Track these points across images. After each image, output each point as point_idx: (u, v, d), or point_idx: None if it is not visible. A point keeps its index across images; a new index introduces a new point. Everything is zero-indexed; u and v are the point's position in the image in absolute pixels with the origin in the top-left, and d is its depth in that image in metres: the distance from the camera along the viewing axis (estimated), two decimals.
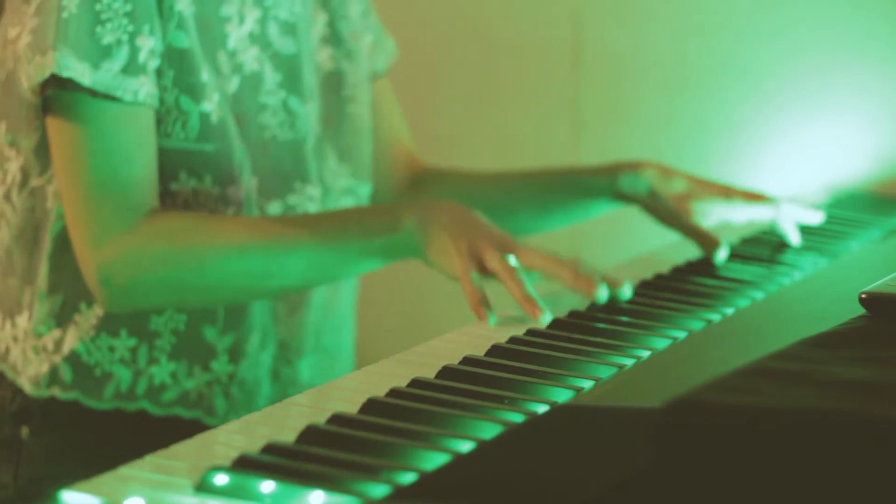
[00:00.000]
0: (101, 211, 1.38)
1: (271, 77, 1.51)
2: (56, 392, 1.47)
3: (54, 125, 1.39)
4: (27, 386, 1.47)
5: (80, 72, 1.36)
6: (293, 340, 1.59)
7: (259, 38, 1.49)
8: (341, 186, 1.58)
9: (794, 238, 1.61)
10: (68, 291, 1.46)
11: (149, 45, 1.39)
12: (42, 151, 1.45)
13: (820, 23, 2.08)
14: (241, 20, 1.48)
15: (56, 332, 1.47)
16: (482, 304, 1.31)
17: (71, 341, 1.46)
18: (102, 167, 1.38)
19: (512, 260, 1.33)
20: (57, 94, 1.38)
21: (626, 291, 1.35)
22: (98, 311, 1.46)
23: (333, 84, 1.59)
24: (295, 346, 1.59)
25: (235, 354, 1.51)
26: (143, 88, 1.38)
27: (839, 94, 2.07)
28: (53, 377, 1.47)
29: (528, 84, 2.29)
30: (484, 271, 1.34)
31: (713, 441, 0.88)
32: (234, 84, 1.48)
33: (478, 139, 2.31)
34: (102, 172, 1.38)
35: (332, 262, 1.40)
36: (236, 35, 1.47)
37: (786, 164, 2.11)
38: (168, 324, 1.48)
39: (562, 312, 1.31)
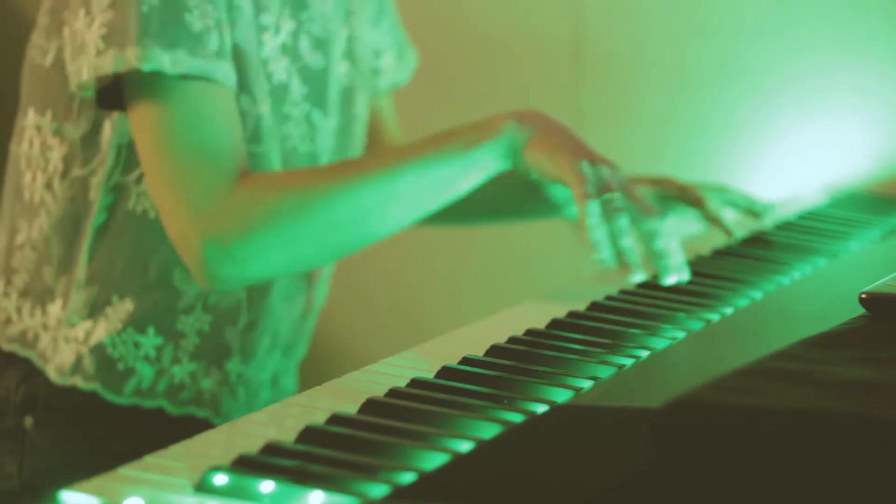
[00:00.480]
0: (198, 179, 1.35)
1: (298, 89, 1.51)
2: (78, 381, 1.48)
3: (140, 111, 1.37)
4: (52, 374, 1.48)
5: (166, 61, 1.34)
6: (296, 345, 1.60)
7: (290, 50, 1.50)
8: None
9: (727, 232, 1.58)
10: (102, 285, 1.47)
11: (228, 32, 1.39)
12: (87, 142, 1.46)
13: (820, 23, 2.08)
14: (277, 31, 1.48)
15: (87, 324, 1.48)
16: (596, 241, 1.30)
17: (99, 333, 1.47)
18: (196, 138, 1.35)
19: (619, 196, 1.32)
20: (142, 79, 1.36)
21: (685, 276, 1.35)
22: (128, 305, 1.47)
23: (347, 100, 1.60)
24: (295, 351, 1.60)
25: (246, 354, 1.52)
26: (232, 74, 1.38)
27: (839, 94, 2.07)
28: (77, 367, 1.48)
29: (528, 84, 2.29)
30: (599, 188, 1.32)
31: (713, 441, 0.88)
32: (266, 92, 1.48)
33: None
34: (197, 142, 1.35)
35: (438, 180, 1.37)
36: (270, 45, 1.48)
37: (786, 164, 2.11)
38: (195, 325, 1.49)
39: (562, 313, 1.31)
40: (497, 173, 1.39)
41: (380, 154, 1.42)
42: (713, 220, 1.59)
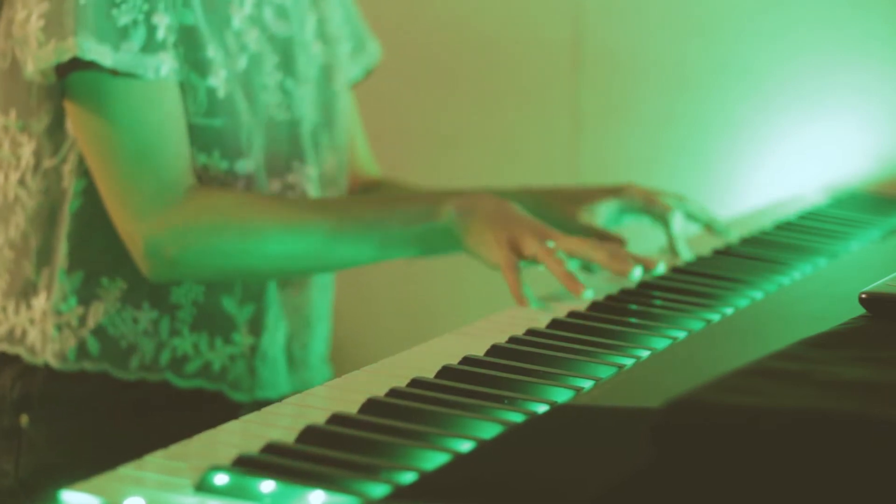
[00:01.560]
0: (140, 186, 1.41)
1: (270, 58, 1.54)
2: (85, 365, 1.49)
3: (79, 107, 1.42)
4: (54, 361, 1.49)
5: (101, 54, 1.38)
6: (301, 323, 1.61)
7: (257, 21, 1.53)
8: (330, 176, 1.62)
9: (683, 250, 1.58)
10: (89, 268, 1.49)
11: (165, 21, 1.42)
12: (53, 133, 1.48)
13: (820, 23, 2.08)
14: (241, 3, 1.51)
15: (79, 309, 1.49)
16: (523, 293, 1.36)
17: (96, 315, 1.49)
18: (134, 143, 1.41)
19: (550, 245, 1.37)
20: (78, 77, 1.40)
21: (661, 269, 1.40)
22: (121, 284, 1.50)
23: (327, 76, 1.63)
24: (303, 327, 1.61)
25: (255, 326, 1.54)
26: (165, 65, 1.41)
27: (839, 94, 2.07)
28: (81, 351, 1.49)
29: (528, 84, 2.29)
30: (523, 258, 1.37)
31: (713, 441, 0.88)
32: (242, 62, 1.51)
33: (478, 139, 2.31)
34: (135, 148, 1.41)
35: (372, 247, 1.44)
36: (239, 16, 1.51)
37: (786, 164, 2.11)
38: (188, 295, 1.52)
39: (561, 313, 1.32)
40: (430, 252, 1.45)
41: (326, 201, 1.49)
42: (670, 238, 1.58)
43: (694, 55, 2.16)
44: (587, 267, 1.48)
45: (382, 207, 1.44)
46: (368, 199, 1.48)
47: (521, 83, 2.30)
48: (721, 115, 2.15)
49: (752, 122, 2.13)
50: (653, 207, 1.59)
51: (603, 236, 1.52)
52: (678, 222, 1.59)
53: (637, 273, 1.37)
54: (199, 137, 1.47)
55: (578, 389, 1.11)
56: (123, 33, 1.39)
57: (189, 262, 1.43)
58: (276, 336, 1.56)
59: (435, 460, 0.95)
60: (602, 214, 1.59)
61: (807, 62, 2.09)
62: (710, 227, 1.64)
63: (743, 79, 2.13)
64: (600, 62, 2.23)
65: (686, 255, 1.57)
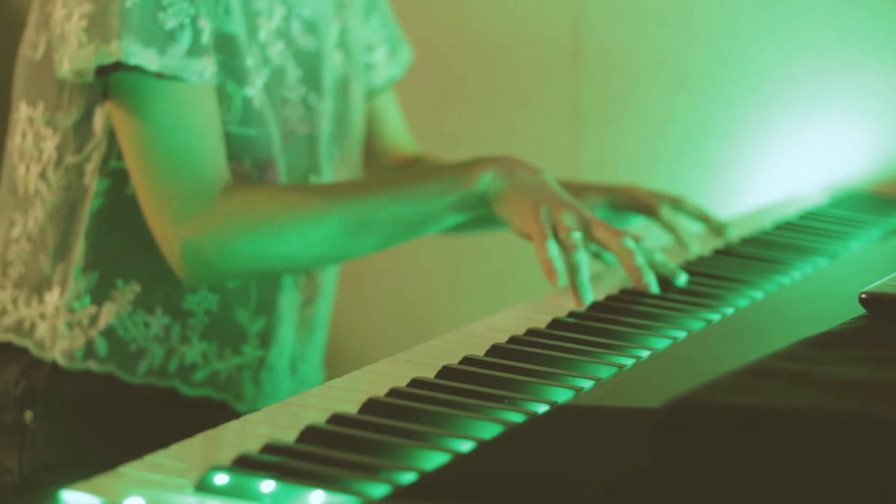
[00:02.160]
0: (179, 188, 1.41)
1: (293, 73, 1.54)
2: (92, 365, 1.49)
3: (121, 108, 1.41)
4: (60, 360, 1.49)
5: (146, 58, 1.37)
6: (307, 334, 1.61)
7: (284, 34, 1.53)
8: None
9: (693, 246, 1.59)
10: (104, 269, 1.49)
11: (208, 26, 1.42)
12: (80, 130, 1.48)
13: (820, 23, 2.08)
14: (270, 15, 1.51)
15: (91, 308, 1.49)
16: (555, 267, 1.34)
17: (107, 316, 1.49)
18: (176, 145, 1.40)
19: (579, 235, 1.37)
20: (120, 77, 1.39)
21: (682, 279, 1.39)
22: (136, 287, 1.50)
23: (344, 89, 1.63)
24: (308, 339, 1.61)
25: (266, 339, 1.54)
26: (208, 69, 1.41)
27: (839, 94, 2.07)
28: (89, 351, 1.49)
29: (528, 84, 2.29)
30: (555, 233, 1.37)
31: (713, 441, 0.88)
32: (264, 76, 1.51)
33: (478, 139, 2.32)
34: (176, 150, 1.40)
35: (409, 220, 1.42)
36: (266, 29, 1.51)
37: (786, 164, 2.11)
38: (202, 304, 1.52)
39: (562, 313, 1.32)
40: (468, 218, 1.43)
41: (358, 184, 1.46)
42: (669, 228, 1.58)
43: (694, 55, 2.16)
44: (598, 255, 1.48)
45: (417, 180, 1.42)
46: (402, 174, 1.46)
47: (521, 83, 2.30)
48: (721, 115, 2.15)
49: (752, 122, 2.13)
50: (638, 204, 1.59)
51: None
52: (667, 213, 1.59)
53: (653, 284, 1.37)
54: (232, 146, 1.47)
55: (578, 389, 1.11)
56: (170, 37, 1.38)
57: (227, 262, 1.42)
58: (283, 348, 1.56)
59: (435, 460, 0.95)
60: (591, 209, 1.60)
61: (807, 62, 2.09)
62: (708, 225, 1.64)
63: (743, 79, 2.13)
64: (600, 62, 2.23)
65: (695, 248, 1.57)
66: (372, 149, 1.74)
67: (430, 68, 2.31)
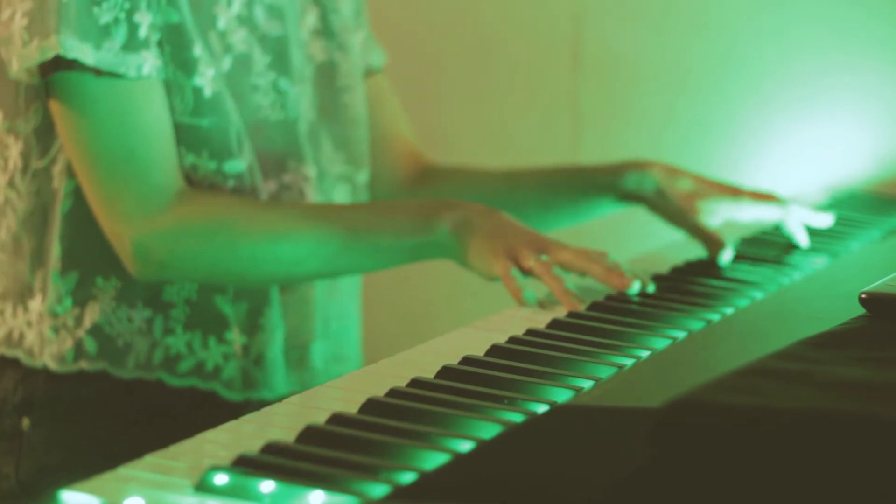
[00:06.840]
0: (126, 189, 1.41)
1: (260, 59, 1.54)
2: (83, 365, 1.49)
3: (62, 107, 1.41)
4: (52, 364, 1.49)
5: (83, 52, 1.38)
6: (302, 324, 1.60)
7: (247, 21, 1.52)
8: (337, 173, 1.62)
9: (803, 239, 1.61)
10: (83, 268, 1.49)
11: (147, 20, 1.42)
12: (42, 134, 1.48)
13: (820, 23, 2.08)
14: (229, 3, 1.51)
15: (75, 310, 1.49)
16: (526, 299, 1.37)
17: (92, 315, 1.49)
18: (119, 145, 1.41)
19: (546, 258, 1.38)
20: (61, 77, 1.40)
21: (649, 287, 1.39)
22: (116, 283, 1.50)
23: (327, 74, 1.62)
24: (304, 330, 1.60)
25: (249, 326, 1.54)
26: (147, 63, 1.41)
27: (839, 94, 2.07)
28: (79, 351, 1.49)
29: (528, 84, 2.29)
30: (520, 269, 1.38)
31: (713, 441, 0.88)
32: (226, 63, 1.50)
33: (478, 139, 2.31)
34: (120, 150, 1.41)
35: (362, 255, 1.44)
36: (225, 16, 1.50)
37: (786, 164, 2.11)
38: (181, 293, 1.51)
39: (562, 313, 1.32)
40: (419, 261, 1.45)
41: (318, 209, 1.49)
42: (793, 226, 1.62)
43: (694, 55, 2.16)
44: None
45: (374, 217, 1.44)
46: (361, 207, 1.49)
47: (521, 82, 2.29)
48: (721, 115, 2.15)
49: (752, 122, 2.13)
50: (763, 201, 1.63)
51: (709, 238, 1.54)
52: (792, 211, 1.61)
53: (636, 287, 1.37)
54: (187, 137, 1.46)
55: (578, 389, 1.11)
56: (105, 31, 1.39)
57: (178, 265, 1.44)
58: (273, 336, 1.55)
59: (435, 460, 0.95)
60: (716, 214, 1.61)
61: (807, 62, 2.08)
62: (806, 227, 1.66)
63: (743, 79, 2.13)
64: (600, 62, 2.23)
65: (804, 241, 1.61)
66: (373, 136, 1.72)
67: (430, 68, 2.31)
